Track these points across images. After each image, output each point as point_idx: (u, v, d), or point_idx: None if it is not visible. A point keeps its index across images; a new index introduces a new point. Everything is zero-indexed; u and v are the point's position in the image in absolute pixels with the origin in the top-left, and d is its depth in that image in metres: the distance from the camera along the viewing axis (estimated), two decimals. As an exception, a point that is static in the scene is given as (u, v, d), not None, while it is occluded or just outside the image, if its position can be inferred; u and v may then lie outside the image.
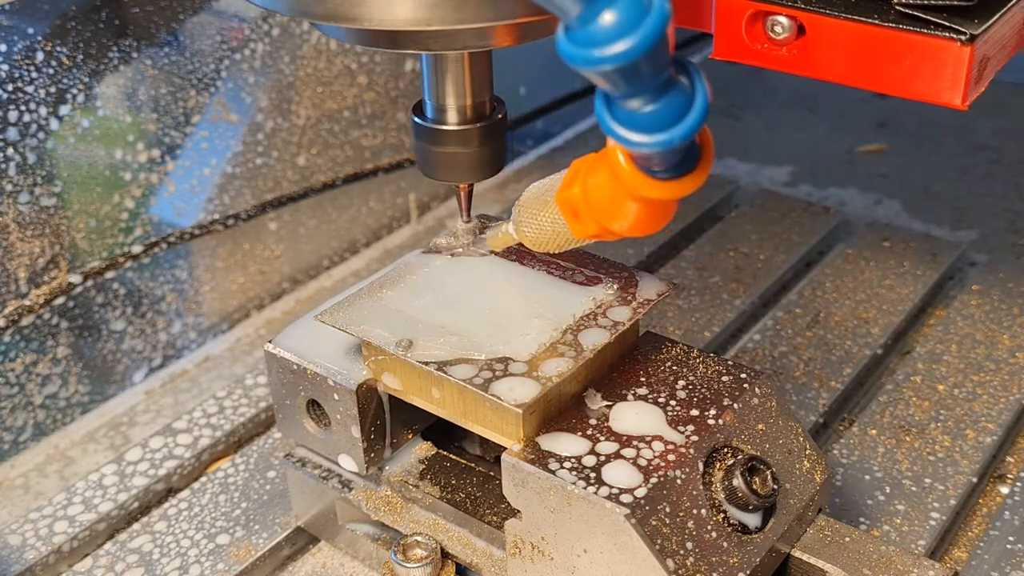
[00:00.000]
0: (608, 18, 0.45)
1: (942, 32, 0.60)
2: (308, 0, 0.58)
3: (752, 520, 0.65)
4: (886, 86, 0.63)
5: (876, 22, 0.61)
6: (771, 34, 0.65)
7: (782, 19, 0.64)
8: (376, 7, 0.57)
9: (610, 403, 0.67)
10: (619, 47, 0.45)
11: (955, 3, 0.59)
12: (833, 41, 0.63)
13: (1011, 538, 0.77)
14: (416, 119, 0.71)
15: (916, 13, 0.60)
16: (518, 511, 0.65)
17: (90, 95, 0.97)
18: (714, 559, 0.62)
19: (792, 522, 0.67)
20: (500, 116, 0.71)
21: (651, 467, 0.62)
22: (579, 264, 0.74)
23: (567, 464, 0.63)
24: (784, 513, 0.67)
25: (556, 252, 0.67)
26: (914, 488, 0.81)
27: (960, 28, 0.59)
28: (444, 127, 0.70)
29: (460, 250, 0.75)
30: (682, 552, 0.61)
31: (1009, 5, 0.62)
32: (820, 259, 1.11)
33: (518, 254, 0.75)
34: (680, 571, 0.60)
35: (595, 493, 0.61)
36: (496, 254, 0.75)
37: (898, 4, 0.60)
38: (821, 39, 0.64)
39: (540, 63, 1.32)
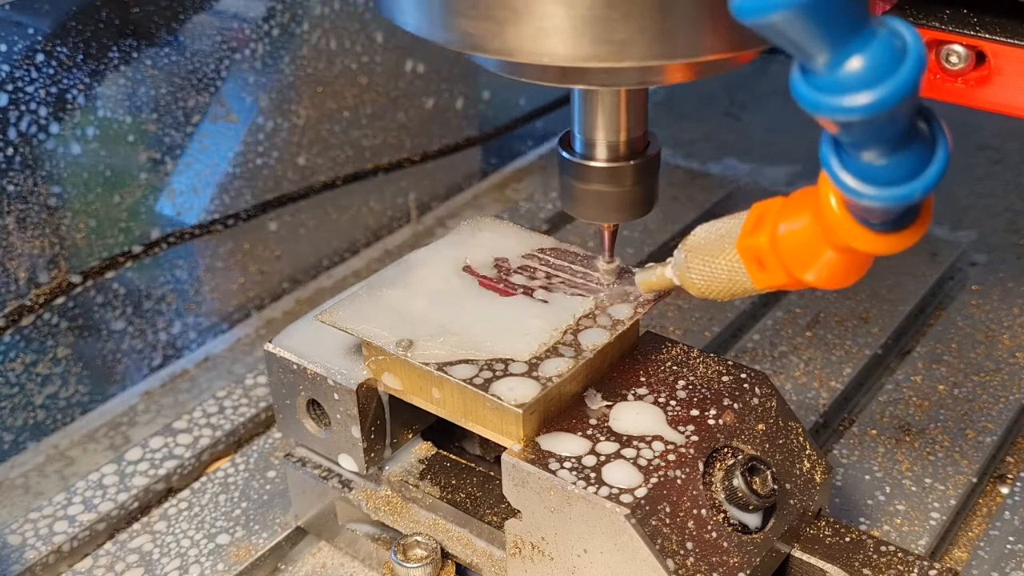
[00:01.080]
0: (857, 64, 0.40)
1: None
2: (482, 36, 0.53)
3: (752, 520, 0.65)
4: None
5: None
6: (944, 64, 0.61)
7: (958, 48, 0.60)
8: (553, 43, 0.52)
9: (610, 403, 0.67)
10: (868, 97, 0.40)
11: None
12: (1017, 72, 0.59)
13: (1011, 538, 0.77)
14: (563, 153, 0.66)
15: None
16: (518, 511, 0.65)
17: (90, 95, 0.97)
18: (714, 559, 0.62)
19: (792, 522, 0.67)
20: (654, 153, 0.66)
21: (651, 467, 0.62)
22: (580, 265, 0.74)
23: (567, 464, 0.63)
24: (784, 513, 0.67)
25: (725, 300, 0.62)
26: (914, 488, 0.81)
27: None
28: (594, 163, 0.65)
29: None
30: (682, 552, 0.61)
31: None
32: (820, 259, 1.11)
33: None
34: (680, 571, 0.60)
35: (595, 493, 0.61)
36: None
37: None
38: (1003, 69, 0.59)
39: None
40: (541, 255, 0.75)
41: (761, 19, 0.40)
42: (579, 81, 0.59)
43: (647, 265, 0.68)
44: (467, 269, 0.74)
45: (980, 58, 0.60)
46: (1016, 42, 0.58)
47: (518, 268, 0.74)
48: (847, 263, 0.54)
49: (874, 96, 0.40)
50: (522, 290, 0.71)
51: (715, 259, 0.60)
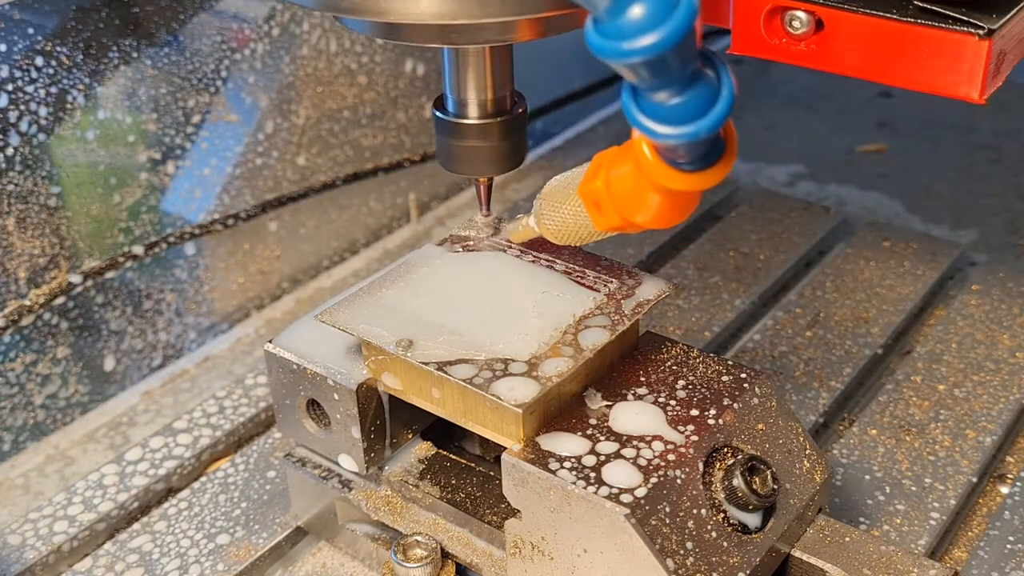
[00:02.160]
0: (637, 11, 0.45)
1: (960, 27, 0.60)
2: None
3: (752, 520, 0.65)
4: (903, 80, 0.64)
5: (895, 17, 0.62)
6: (789, 29, 0.66)
7: (800, 14, 0.65)
8: (402, 1, 0.58)
9: (610, 403, 0.67)
10: (647, 40, 0.45)
11: None
12: (851, 36, 0.64)
13: (1011, 538, 0.77)
14: (437, 113, 0.71)
15: (934, 8, 0.61)
16: (518, 511, 0.65)
17: (90, 95, 0.97)
18: (714, 559, 0.62)
19: (792, 522, 0.67)
20: (521, 110, 0.71)
21: (651, 467, 0.62)
22: (579, 264, 0.74)
23: (567, 464, 0.63)
24: (784, 513, 0.67)
25: (577, 244, 0.67)
26: (914, 488, 0.81)
27: (978, 23, 0.60)
28: (465, 121, 0.70)
29: (474, 243, 0.75)
30: (682, 552, 0.61)
31: None
32: (820, 259, 1.11)
33: (525, 250, 0.75)
34: (680, 571, 0.60)
35: (595, 493, 0.61)
36: (512, 247, 0.75)
37: (918, 0, 0.61)
38: (839, 34, 0.64)
39: (540, 63, 1.32)
40: (542, 255, 0.75)
41: None
42: (445, 40, 0.64)
43: (516, 217, 0.72)
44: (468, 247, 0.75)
45: (819, 24, 0.65)
46: (848, 7, 0.63)
47: (519, 266, 0.74)
48: (670, 204, 0.58)
49: (653, 39, 0.45)
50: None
51: (562, 205, 0.65)
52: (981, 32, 0.60)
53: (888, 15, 0.62)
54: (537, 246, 0.76)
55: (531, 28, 0.64)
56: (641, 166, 0.55)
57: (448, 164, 0.73)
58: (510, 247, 0.75)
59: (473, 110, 0.70)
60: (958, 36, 0.60)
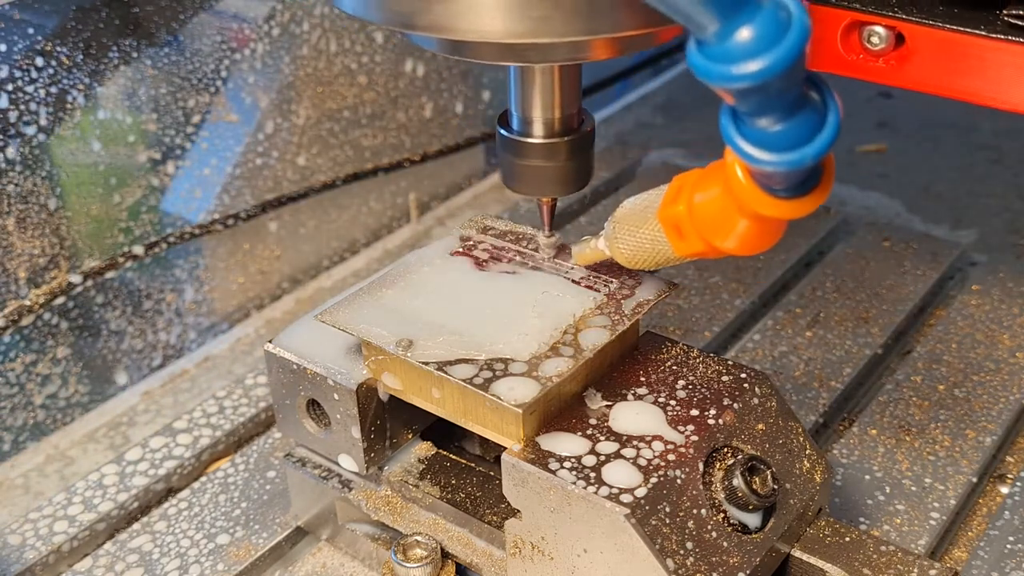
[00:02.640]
0: (746, 34, 0.43)
1: None
2: (408, 12, 0.56)
3: (752, 520, 0.65)
4: (988, 99, 0.61)
5: (982, 33, 0.59)
6: (867, 45, 0.63)
7: (879, 29, 0.62)
8: (476, 19, 0.55)
9: (610, 403, 0.67)
10: (756, 65, 0.43)
11: None
12: (933, 52, 0.61)
13: (1011, 538, 0.77)
14: (501, 131, 0.68)
15: None
16: (518, 511, 0.65)
17: (90, 95, 0.97)
18: (714, 559, 0.62)
19: (792, 522, 0.67)
20: (588, 129, 0.68)
21: (651, 467, 0.62)
22: (580, 265, 0.74)
23: (567, 464, 0.63)
24: (784, 513, 0.67)
25: (650, 269, 0.65)
26: (914, 488, 0.81)
27: None
28: (530, 140, 0.67)
29: (474, 244, 0.73)
30: (682, 552, 0.61)
31: None
32: (820, 259, 1.11)
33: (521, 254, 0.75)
34: (680, 571, 0.60)
35: (595, 493, 0.61)
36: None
37: (1007, 15, 0.58)
38: (921, 50, 0.61)
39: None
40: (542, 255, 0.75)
41: None
42: (514, 58, 0.62)
43: (582, 239, 0.70)
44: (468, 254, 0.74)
45: (899, 39, 0.63)
46: (931, 23, 0.61)
47: (519, 266, 0.74)
48: (758, 230, 0.56)
49: (763, 64, 0.43)
50: (529, 278, 0.72)
51: (639, 229, 0.63)
52: None
53: (975, 31, 0.59)
54: (537, 243, 0.76)
55: (607, 47, 0.61)
56: (732, 190, 0.53)
57: (511, 183, 0.70)
58: (566, 267, 0.73)
59: (539, 128, 0.67)
60: None
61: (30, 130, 0.93)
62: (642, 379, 0.69)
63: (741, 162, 0.51)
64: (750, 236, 0.57)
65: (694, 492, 0.63)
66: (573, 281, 0.72)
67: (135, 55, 1.00)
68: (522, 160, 0.68)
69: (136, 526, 0.81)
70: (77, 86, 0.96)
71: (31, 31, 0.92)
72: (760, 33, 0.43)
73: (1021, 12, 0.58)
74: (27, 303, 0.94)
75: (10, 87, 0.91)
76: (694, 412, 0.66)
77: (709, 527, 0.63)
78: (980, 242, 1.15)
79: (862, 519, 0.79)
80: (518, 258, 0.74)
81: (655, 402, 0.67)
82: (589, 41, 0.60)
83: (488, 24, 0.55)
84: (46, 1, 0.94)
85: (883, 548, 0.68)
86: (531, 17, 0.54)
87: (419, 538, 0.71)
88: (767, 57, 0.43)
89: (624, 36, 0.58)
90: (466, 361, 0.66)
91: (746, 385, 0.69)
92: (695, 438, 0.64)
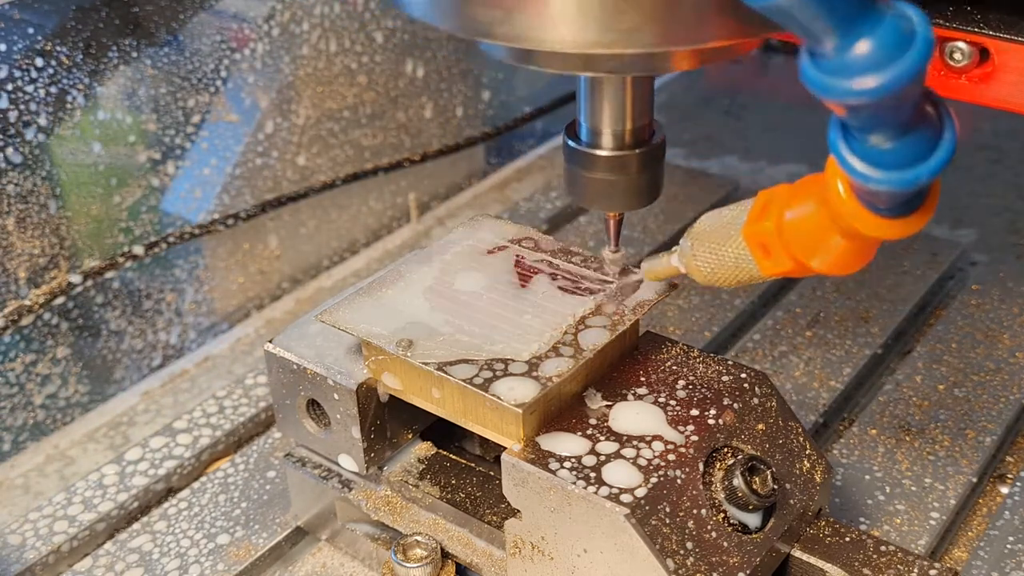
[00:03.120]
0: (864, 48, 0.40)
1: None
2: (490, 22, 0.53)
3: (752, 520, 0.65)
4: None
5: None
6: (949, 61, 0.61)
7: (962, 45, 0.60)
8: (561, 29, 0.52)
9: (610, 403, 0.67)
10: (875, 81, 0.41)
11: None
12: (1021, 69, 0.59)
13: (1011, 538, 0.77)
14: (570, 142, 0.66)
15: None
16: (518, 511, 0.65)
17: (90, 95, 0.97)
18: (714, 559, 0.62)
19: (792, 522, 0.67)
20: (659, 141, 0.66)
21: (651, 467, 0.62)
22: (580, 265, 0.74)
23: (567, 464, 0.63)
24: (784, 513, 0.67)
25: (730, 287, 0.62)
26: (914, 488, 0.81)
27: None
28: (600, 152, 0.65)
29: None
30: (682, 552, 0.61)
31: None
32: (820, 259, 1.11)
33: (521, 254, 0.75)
34: (680, 571, 0.60)
35: (595, 493, 0.61)
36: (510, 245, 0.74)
37: None
38: (1007, 67, 0.59)
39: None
40: (541, 254, 0.75)
41: (771, 3, 0.41)
42: (587, 68, 0.59)
43: (653, 254, 0.68)
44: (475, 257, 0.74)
45: (984, 55, 0.60)
46: (1019, 39, 0.58)
47: (518, 267, 0.74)
48: (853, 249, 0.54)
49: (882, 79, 0.40)
50: (521, 285, 0.72)
51: (721, 246, 0.60)
52: None
53: None
54: (536, 243, 0.76)
55: (687, 59, 0.58)
56: (832, 207, 0.50)
57: (577, 196, 0.67)
58: (566, 267, 0.72)
59: (608, 140, 0.64)
60: None
61: (30, 130, 0.93)
62: (642, 379, 0.69)
63: (844, 177, 0.49)
64: (844, 255, 0.54)
65: (694, 492, 0.63)
66: (573, 281, 0.72)
67: (135, 55, 1.00)
68: (590, 173, 0.65)
69: (136, 526, 0.81)
70: (77, 86, 0.96)
71: (31, 31, 0.92)
72: (881, 46, 0.40)
73: None
74: (27, 303, 0.94)
75: (10, 87, 0.91)
76: (694, 412, 0.66)
77: (709, 527, 0.63)
78: (980, 242, 1.15)
79: (862, 519, 0.79)
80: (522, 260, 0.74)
81: (655, 402, 0.67)
82: (670, 52, 0.57)
83: (566, 34, 0.52)
84: (46, 1, 0.94)
85: (883, 548, 0.68)
86: (610, 27, 0.51)
87: (419, 538, 0.71)
88: (887, 72, 0.40)
89: (706, 48, 0.56)
90: (466, 361, 0.66)
91: (746, 385, 0.69)
92: (695, 438, 0.64)
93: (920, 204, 0.50)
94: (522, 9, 0.52)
